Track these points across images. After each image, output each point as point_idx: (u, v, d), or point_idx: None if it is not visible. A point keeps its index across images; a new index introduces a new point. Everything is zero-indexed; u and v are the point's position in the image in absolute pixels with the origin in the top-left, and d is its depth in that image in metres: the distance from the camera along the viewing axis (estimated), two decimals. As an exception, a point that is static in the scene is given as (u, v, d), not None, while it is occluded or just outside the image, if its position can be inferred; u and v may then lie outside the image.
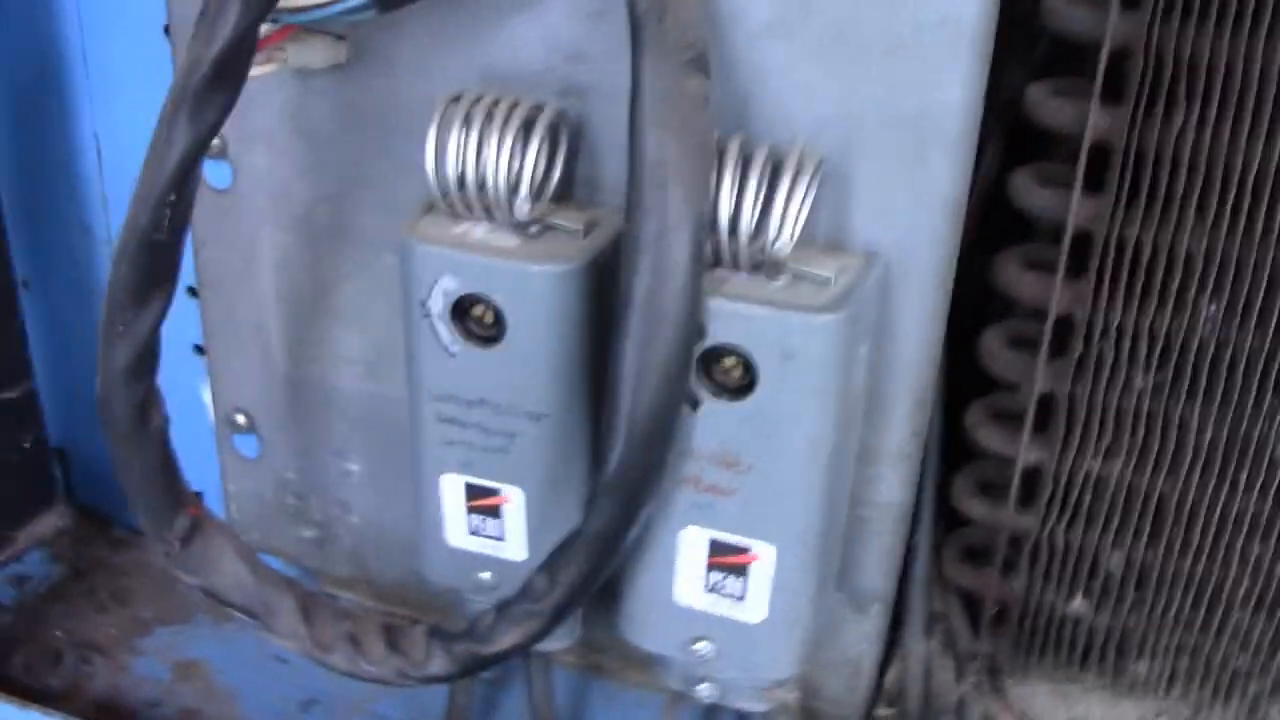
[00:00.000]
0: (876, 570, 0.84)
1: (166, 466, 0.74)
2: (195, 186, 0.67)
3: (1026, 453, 0.81)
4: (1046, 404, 0.80)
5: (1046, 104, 0.74)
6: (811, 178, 0.66)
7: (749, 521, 0.71)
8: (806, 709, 0.90)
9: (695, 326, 0.65)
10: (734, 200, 0.66)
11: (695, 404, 0.69)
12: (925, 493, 0.86)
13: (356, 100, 0.80)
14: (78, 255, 1.01)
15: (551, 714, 0.92)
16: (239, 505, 1.00)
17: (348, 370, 0.90)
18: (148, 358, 0.70)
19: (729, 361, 0.68)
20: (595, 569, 0.69)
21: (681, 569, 0.74)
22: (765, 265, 0.67)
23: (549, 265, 0.70)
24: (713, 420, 0.69)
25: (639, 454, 0.65)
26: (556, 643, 0.84)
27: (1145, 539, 0.81)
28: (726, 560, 0.73)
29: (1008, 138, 0.80)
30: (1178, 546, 0.80)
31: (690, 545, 0.73)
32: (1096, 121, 0.72)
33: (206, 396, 0.96)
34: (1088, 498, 0.81)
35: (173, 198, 0.65)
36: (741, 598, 0.74)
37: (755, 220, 0.66)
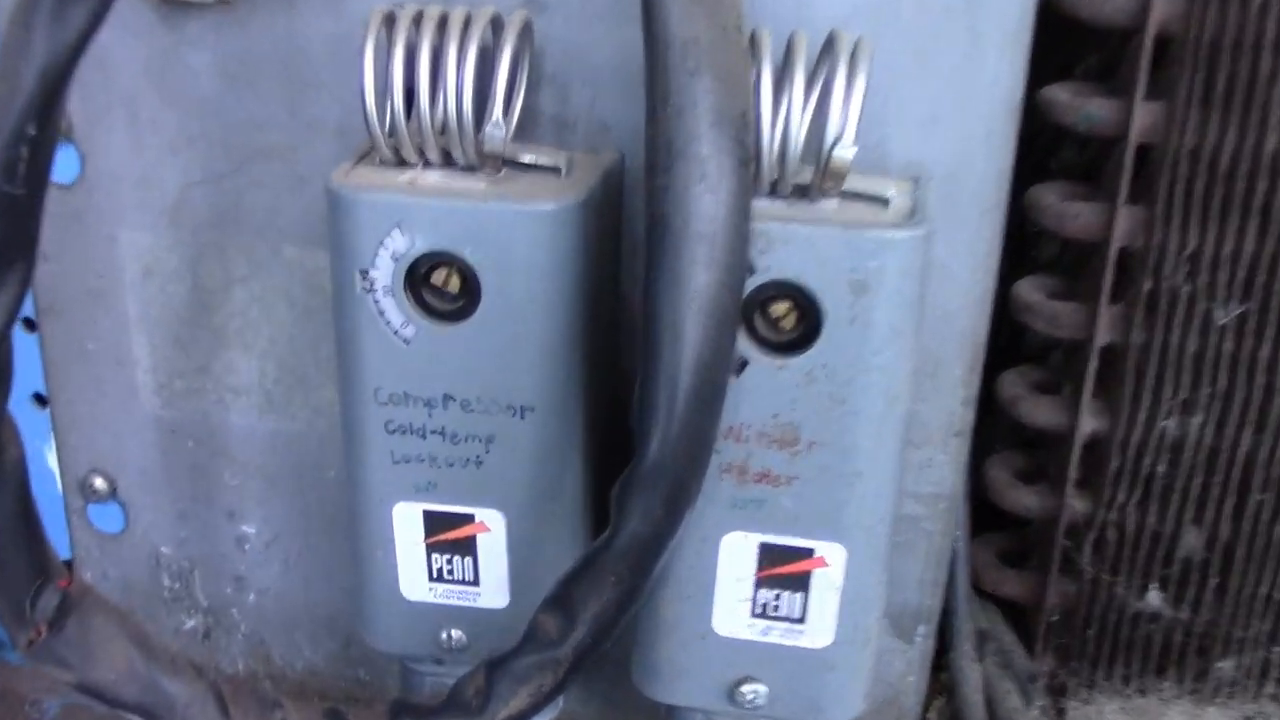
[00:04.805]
0: (923, 582, 0.69)
1: (27, 519, 0.56)
2: (60, 119, 0.49)
3: (1086, 421, 0.69)
4: (1108, 359, 0.68)
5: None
6: (866, 66, 0.52)
7: (811, 516, 0.56)
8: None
9: (745, 254, 0.50)
10: (776, 98, 0.52)
11: (740, 366, 0.54)
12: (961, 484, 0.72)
13: (247, 47, 0.64)
14: None
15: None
16: (98, 598, 0.80)
17: (239, 404, 0.72)
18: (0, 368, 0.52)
19: (779, 308, 0.53)
20: (630, 592, 0.53)
21: (724, 590, 0.58)
22: (813, 185, 0.54)
23: (535, 204, 0.54)
24: (762, 385, 0.54)
25: (688, 426, 0.50)
26: (545, 713, 0.66)
27: (1229, 510, 0.69)
28: (782, 570, 0.57)
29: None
30: (1267, 516, 0.69)
31: (735, 556, 0.57)
32: (1159, 8, 0.61)
33: (52, 459, 0.76)
34: (1161, 467, 0.69)
35: (32, 131, 0.48)
36: (801, 619, 0.58)
37: (806, 121, 0.52)
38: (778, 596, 0.58)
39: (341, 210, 0.55)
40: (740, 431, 0.55)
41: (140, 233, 0.69)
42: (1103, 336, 0.67)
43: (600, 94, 0.61)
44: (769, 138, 0.52)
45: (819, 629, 0.58)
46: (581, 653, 0.54)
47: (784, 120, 0.52)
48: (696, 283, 0.48)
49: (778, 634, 0.59)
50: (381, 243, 0.55)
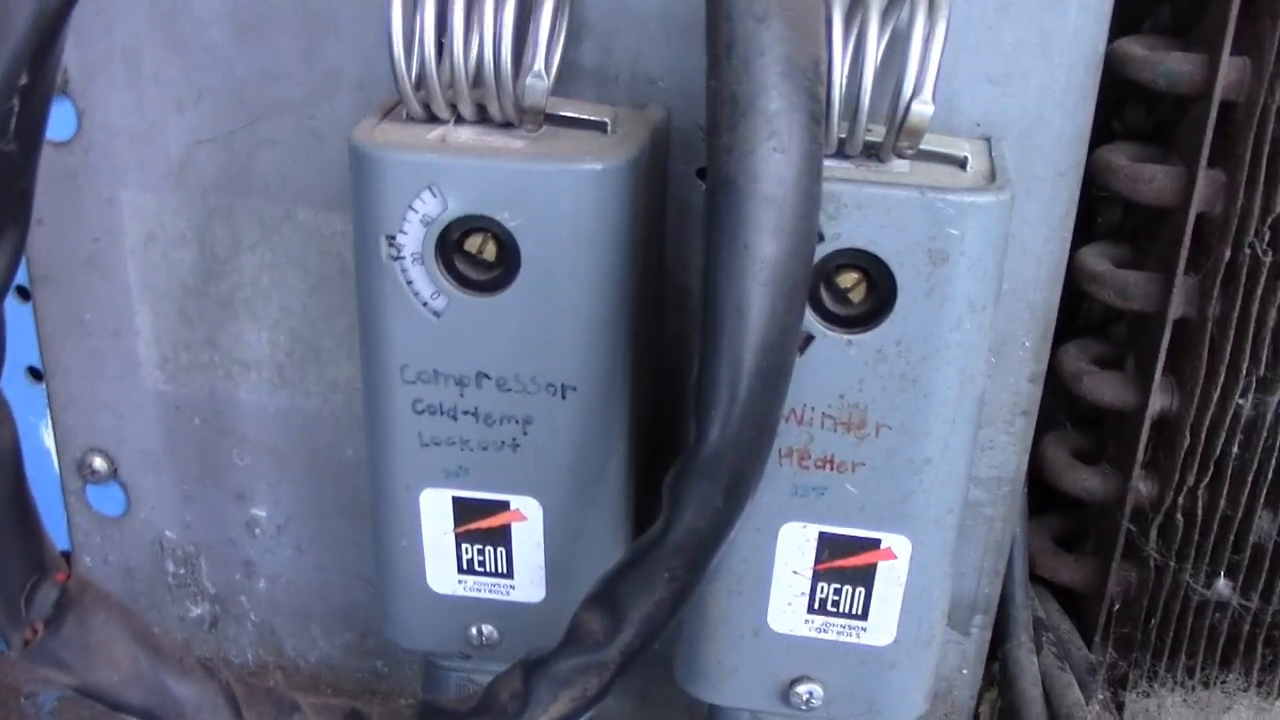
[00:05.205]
0: (981, 570, 0.65)
1: (21, 507, 0.51)
2: (55, 68, 0.44)
3: (1156, 399, 0.64)
4: (1180, 333, 0.63)
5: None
6: (947, 14, 0.48)
7: (876, 505, 0.52)
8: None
9: (816, 221, 0.45)
10: (846, 47, 0.47)
11: (804, 342, 0.49)
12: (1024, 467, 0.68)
13: (258, -10, 0.59)
14: None
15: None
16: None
17: (249, 379, 0.68)
18: (-10, 340, 0.47)
19: (848, 278, 0.49)
20: (684, 590, 0.48)
21: (780, 584, 0.54)
22: (886, 144, 0.49)
23: (580, 164, 0.49)
24: (828, 363, 0.50)
25: (751, 411, 0.45)
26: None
27: (1307, 493, 0.65)
28: (844, 563, 0.53)
29: None
30: (1347, 498, 0.65)
31: (792, 548, 0.53)
32: (1252, -50, 0.56)
33: (48, 438, 0.71)
34: (1234, 448, 0.64)
35: (24, 80, 0.43)
36: (862, 615, 0.54)
37: (878, 72, 0.47)
38: (838, 591, 0.54)
39: (366, 170, 0.50)
40: (802, 413, 0.50)
41: (142, 194, 0.64)
42: (1176, 309, 0.62)
43: (646, 44, 0.56)
44: (839, 91, 0.48)
45: (881, 626, 0.54)
46: (629, 655, 0.49)
47: (856, 71, 0.47)
48: (764, 252, 0.43)
49: (836, 631, 0.54)
50: (410, 206, 0.50)
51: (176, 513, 0.72)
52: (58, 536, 0.73)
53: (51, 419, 0.71)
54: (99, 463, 0.71)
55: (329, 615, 0.73)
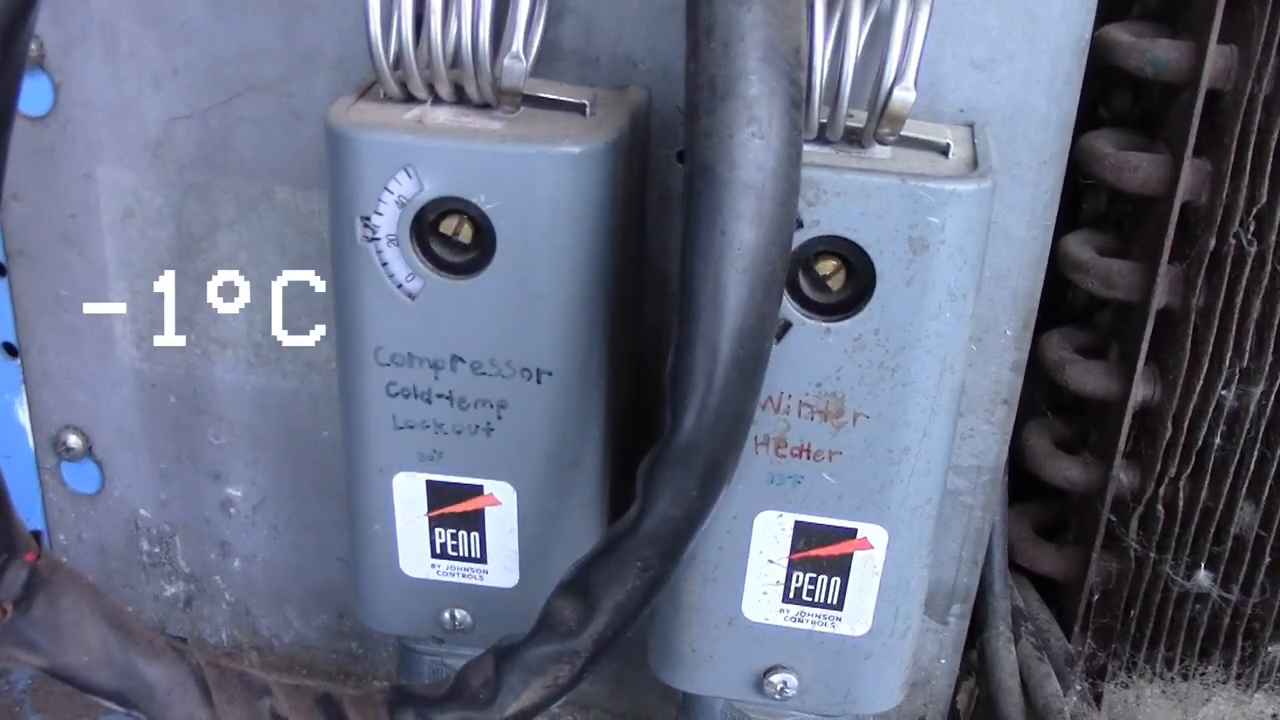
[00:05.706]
0: (960, 559, 0.65)
1: (-11, 488, 0.50)
2: (27, 42, 0.44)
3: (1139, 389, 0.64)
4: (1164, 322, 0.63)
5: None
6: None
7: (853, 495, 0.51)
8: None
9: (795, 208, 0.45)
10: (828, 31, 0.47)
11: (781, 330, 0.49)
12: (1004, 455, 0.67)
13: (236, -36, 0.58)
14: None
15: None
16: (71, 560, 0.74)
17: (225, 358, 0.67)
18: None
19: (827, 265, 0.48)
20: (657, 579, 0.48)
21: (755, 572, 0.53)
22: (867, 130, 0.48)
23: (558, 146, 0.48)
24: (806, 351, 0.49)
25: (727, 399, 0.45)
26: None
27: (1287, 485, 0.65)
28: (820, 553, 0.53)
29: None
30: (1327, 491, 0.64)
31: (768, 537, 0.53)
32: (1242, -63, 0.56)
33: (22, 414, 0.71)
34: (1216, 439, 0.64)
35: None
36: (838, 605, 0.54)
37: (860, 57, 0.47)
38: (813, 580, 0.53)
39: (341, 150, 0.49)
40: (780, 401, 0.50)
41: (119, 171, 0.63)
42: (1160, 298, 0.62)
43: (627, 26, 0.55)
44: (820, 75, 0.47)
45: (856, 616, 0.54)
46: (602, 644, 0.49)
47: (838, 56, 0.47)
48: (742, 240, 0.43)
49: (811, 620, 0.54)
50: (386, 187, 0.49)
51: (152, 491, 0.71)
52: (32, 514, 0.73)
53: (26, 395, 0.71)
54: (74, 440, 0.71)
55: (304, 596, 0.73)
